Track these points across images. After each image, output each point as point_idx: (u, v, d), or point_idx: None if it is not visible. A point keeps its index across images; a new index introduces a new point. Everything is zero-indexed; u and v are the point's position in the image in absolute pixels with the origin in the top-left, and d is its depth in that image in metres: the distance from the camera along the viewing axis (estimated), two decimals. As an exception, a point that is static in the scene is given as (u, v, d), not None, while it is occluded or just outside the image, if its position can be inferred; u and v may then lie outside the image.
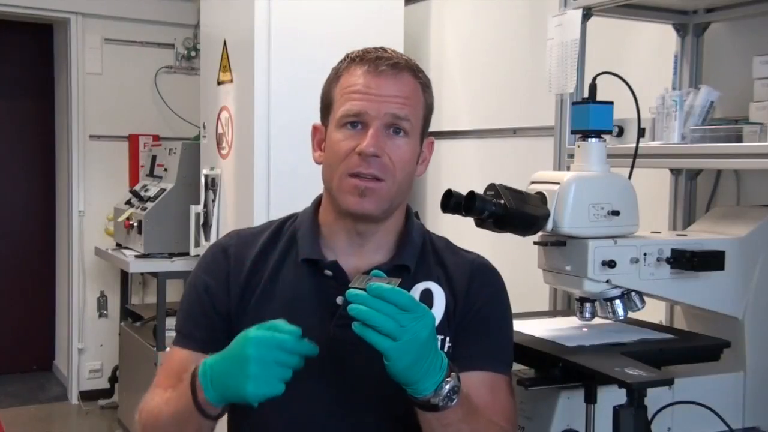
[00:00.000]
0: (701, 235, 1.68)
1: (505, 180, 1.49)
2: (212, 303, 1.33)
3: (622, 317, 1.55)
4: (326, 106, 1.33)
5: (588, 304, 1.58)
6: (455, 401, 1.13)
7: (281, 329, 1.12)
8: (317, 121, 1.37)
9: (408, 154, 1.28)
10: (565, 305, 2.10)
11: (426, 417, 1.15)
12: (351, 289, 1.09)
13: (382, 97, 1.26)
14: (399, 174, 1.27)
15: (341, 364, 1.27)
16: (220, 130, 3.37)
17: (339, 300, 1.25)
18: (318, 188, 1.37)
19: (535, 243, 1.56)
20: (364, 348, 1.07)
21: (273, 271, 1.33)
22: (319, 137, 1.36)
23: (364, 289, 1.07)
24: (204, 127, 3.59)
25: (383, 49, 1.32)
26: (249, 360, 1.10)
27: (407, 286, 1.28)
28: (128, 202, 4.19)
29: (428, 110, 1.34)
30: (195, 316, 1.34)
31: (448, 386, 1.12)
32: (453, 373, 1.13)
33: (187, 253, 3.72)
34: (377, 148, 1.24)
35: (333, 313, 1.27)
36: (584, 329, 1.62)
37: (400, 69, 1.28)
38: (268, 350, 1.10)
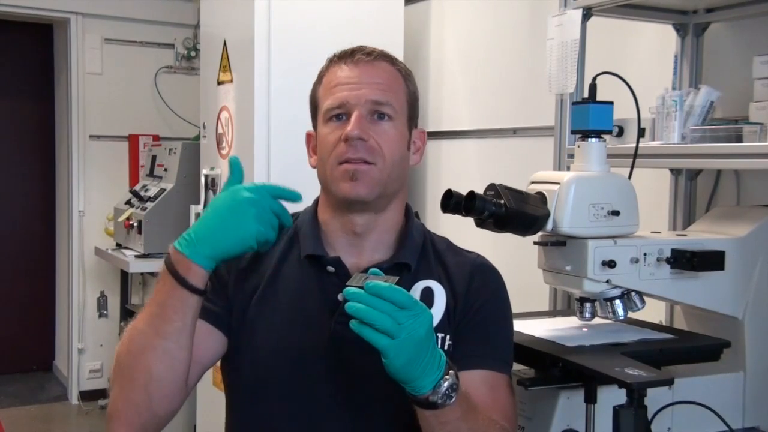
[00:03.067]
0: (701, 235, 1.67)
1: (505, 180, 1.49)
2: (219, 283, 1.32)
3: (622, 317, 1.55)
4: (314, 108, 1.37)
5: (588, 304, 1.58)
6: (453, 399, 1.12)
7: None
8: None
9: (394, 136, 1.30)
10: (565, 305, 2.10)
11: (424, 415, 1.14)
12: (348, 288, 1.09)
13: (361, 85, 1.29)
14: (388, 156, 1.28)
15: (343, 361, 1.27)
16: (220, 130, 3.37)
17: (340, 297, 1.25)
18: (318, 188, 1.37)
19: (535, 243, 1.56)
20: (365, 345, 1.07)
21: (275, 268, 1.34)
22: (313, 143, 1.38)
23: (361, 287, 1.07)
24: (204, 127, 3.58)
25: (361, 46, 1.35)
26: (247, 202, 1.18)
27: (408, 284, 1.28)
28: (128, 202, 4.19)
29: (412, 98, 1.36)
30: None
31: (446, 384, 1.11)
32: (451, 371, 1.13)
33: (187, 253, 3.71)
34: (361, 131, 1.26)
35: (335, 310, 1.27)
36: (584, 329, 1.62)
37: (375, 57, 1.33)
38: (263, 195, 1.19)
